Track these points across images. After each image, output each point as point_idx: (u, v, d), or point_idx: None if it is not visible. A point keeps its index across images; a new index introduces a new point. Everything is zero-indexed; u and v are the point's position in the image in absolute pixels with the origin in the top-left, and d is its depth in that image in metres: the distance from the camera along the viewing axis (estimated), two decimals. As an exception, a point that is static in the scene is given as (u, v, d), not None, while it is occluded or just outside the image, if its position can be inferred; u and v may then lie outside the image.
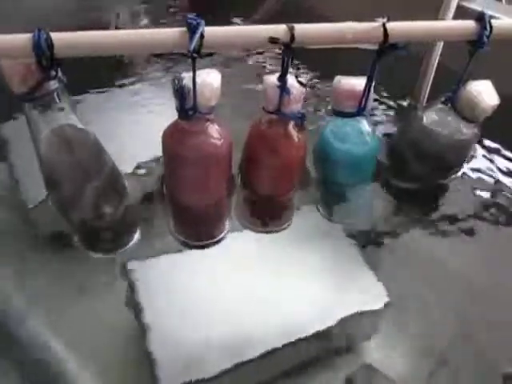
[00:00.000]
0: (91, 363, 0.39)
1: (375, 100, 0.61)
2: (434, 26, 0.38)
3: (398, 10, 0.48)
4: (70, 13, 0.74)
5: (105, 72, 0.65)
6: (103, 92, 0.63)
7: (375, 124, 0.60)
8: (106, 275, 0.45)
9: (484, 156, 0.57)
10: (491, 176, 0.55)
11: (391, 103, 0.63)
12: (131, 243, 0.44)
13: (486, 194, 0.53)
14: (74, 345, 0.40)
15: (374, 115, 0.61)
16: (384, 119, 0.61)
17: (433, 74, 0.59)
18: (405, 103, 0.63)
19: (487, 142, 0.59)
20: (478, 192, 0.53)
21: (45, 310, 0.42)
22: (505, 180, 0.55)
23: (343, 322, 0.42)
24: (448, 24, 0.43)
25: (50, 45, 0.29)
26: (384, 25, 0.35)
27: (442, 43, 0.57)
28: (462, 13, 0.60)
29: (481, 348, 0.42)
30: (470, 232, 0.49)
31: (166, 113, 0.39)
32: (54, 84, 0.32)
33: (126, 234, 0.44)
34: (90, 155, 0.37)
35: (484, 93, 0.42)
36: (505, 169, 0.56)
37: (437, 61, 0.58)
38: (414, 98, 0.61)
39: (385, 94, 0.64)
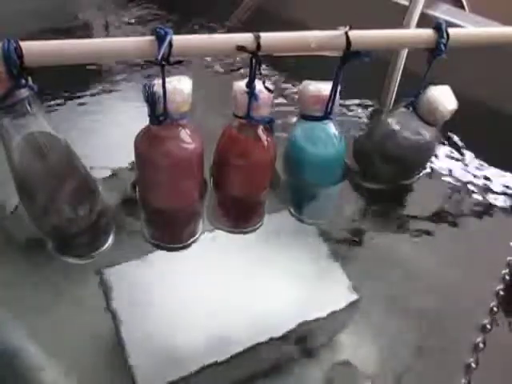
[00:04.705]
0: (70, 371, 0.39)
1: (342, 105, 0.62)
2: (394, 35, 0.40)
3: (372, 17, 0.49)
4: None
5: (78, 78, 0.64)
6: (76, 98, 0.63)
7: (351, 127, 0.61)
8: (80, 280, 0.45)
9: (446, 157, 0.60)
10: (453, 177, 0.57)
11: (360, 107, 0.65)
12: (105, 247, 0.44)
13: (448, 195, 0.55)
14: (51, 353, 0.40)
15: (344, 118, 0.63)
16: (356, 122, 0.63)
17: (399, 78, 0.60)
18: (372, 107, 0.64)
19: (449, 144, 0.61)
20: (441, 192, 0.55)
21: (20, 318, 0.42)
22: (466, 180, 0.57)
23: (315, 320, 0.43)
24: (408, 32, 0.45)
25: (20, 54, 0.30)
26: (347, 33, 0.37)
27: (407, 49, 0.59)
28: (426, 20, 0.61)
29: (447, 345, 0.44)
30: (433, 232, 0.51)
31: (139, 118, 0.39)
32: (24, 92, 0.32)
33: (99, 239, 0.44)
34: (61, 161, 0.38)
35: (443, 98, 0.45)
36: (466, 170, 0.58)
37: (402, 66, 0.60)
38: (380, 102, 0.63)
39: (355, 98, 0.65)
